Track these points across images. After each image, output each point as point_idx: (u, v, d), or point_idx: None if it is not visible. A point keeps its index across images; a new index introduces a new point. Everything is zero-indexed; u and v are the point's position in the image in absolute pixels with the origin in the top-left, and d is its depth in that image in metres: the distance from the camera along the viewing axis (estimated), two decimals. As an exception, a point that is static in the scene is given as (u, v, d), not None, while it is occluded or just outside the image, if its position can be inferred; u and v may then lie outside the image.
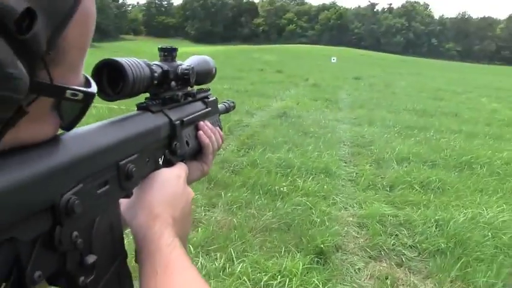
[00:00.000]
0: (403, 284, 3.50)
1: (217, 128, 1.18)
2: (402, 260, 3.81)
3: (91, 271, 0.65)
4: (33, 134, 0.56)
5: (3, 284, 0.50)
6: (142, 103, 0.90)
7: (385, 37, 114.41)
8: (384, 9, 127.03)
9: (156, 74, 0.87)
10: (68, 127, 0.63)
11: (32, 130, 0.56)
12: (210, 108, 1.17)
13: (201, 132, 1.09)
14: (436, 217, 4.49)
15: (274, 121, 8.56)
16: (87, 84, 0.61)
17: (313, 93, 13.25)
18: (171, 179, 0.87)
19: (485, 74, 38.11)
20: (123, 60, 0.78)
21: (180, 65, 0.97)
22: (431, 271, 3.66)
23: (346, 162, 6.44)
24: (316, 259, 3.62)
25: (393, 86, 18.07)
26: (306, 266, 3.46)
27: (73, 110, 0.62)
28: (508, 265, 3.73)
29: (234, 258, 3.51)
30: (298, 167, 5.70)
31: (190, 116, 1.03)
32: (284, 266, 3.41)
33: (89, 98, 0.59)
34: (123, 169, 0.72)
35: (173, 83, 0.94)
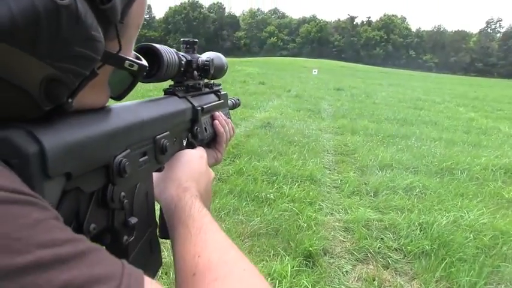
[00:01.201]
0: (390, 286, 3.57)
1: (229, 119, 1.26)
2: (388, 262, 3.88)
3: (132, 232, 0.72)
4: (93, 101, 0.63)
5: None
6: (169, 89, 0.99)
7: (365, 49, 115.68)
8: (363, 22, 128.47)
9: (183, 62, 0.95)
10: (119, 97, 0.72)
11: (92, 96, 0.62)
12: (222, 101, 1.25)
13: (216, 121, 1.17)
14: (420, 220, 4.59)
15: (258, 131, 8.63)
16: (138, 59, 0.68)
17: (296, 104, 13.35)
18: (195, 158, 0.95)
19: (461, 84, 38.74)
20: (159, 46, 0.85)
21: (200, 57, 1.05)
22: (416, 272, 3.75)
23: (330, 170, 6.53)
24: (304, 262, 3.68)
25: (374, 96, 18.27)
26: (295, 268, 3.51)
27: (123, 82, 0.70)
28: (489, 264, 3.83)
29: (224, 263, 3.55)
30: (284, 175, 5.77)
31: (209, 105, 1.11)
32: (274, 269, 3.46)
33: (142, 69, 0.68)
34: (158, 143, 0.79)
35: (195, 73, 1.02)
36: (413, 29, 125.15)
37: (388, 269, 3.81)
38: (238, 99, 1.51)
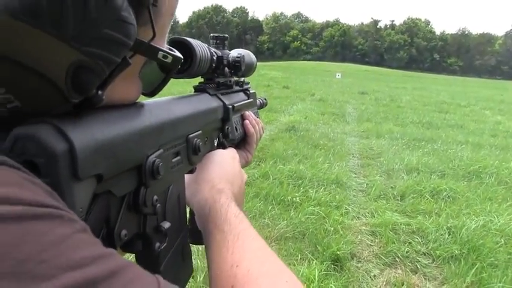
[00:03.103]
0: (418, 290, 3.54)
1: (259, 119, 1.22)
2: (417, 267, 3.84)
3: (165, 238, 0.68)
4: (123, 95, 0.59)
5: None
6: (199, 85, 0.95)
7: (389, 53, 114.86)
8: (386, 25, 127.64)
9: (214, 58, 0.92)
10: (152, 93, 0.67)
11: (123, 90, 0.58)
12: (252, 100, 1.21)
13: (247, 121, 1.12)
14: (448, 224, 4.53)
15: (283, 135, 8.62)
16: (171, 51, 0.63)
17: (320, 108, 13.31)
18: (228, 159, 0.90)
19: (486, 87, 38.19)
20: (191, 39, 0.81)
21: (230, 53, 1.01)
22: (446, 277, 3.69)
23: (356, 174, 6.49)
24: (332, 266, 3.66)
25: (398, 100, 18.13)
26: (322, 272, 3.49)
27: (155, 76, 0.66)
28: (522, 270, 3.76)
29: (251, 266, 3.54)
30: (310, 178, 5.75)
31: (239, 103, 1.07)
32: (301, 273, 3.44)
33: (177, 61, 0.62)
34: (191, 142, 0.76)
35: (226, 69, 0.98)
36: (438, 32, 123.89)
37: (416, 273, 3.77)
38: (265, 99, 1.46)
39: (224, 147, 0.98)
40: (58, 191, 0.40)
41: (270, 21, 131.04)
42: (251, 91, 1.24)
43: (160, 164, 0.60)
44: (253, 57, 1.18)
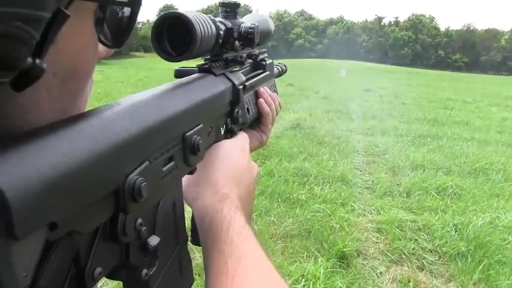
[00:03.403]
0: (425, 287, 3.52)
1: (275, 93, 1.08)
2: (423, 264, 3.83)
3: (155, 260, 0.57)
4: (78, 56, 0.45)
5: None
6: (204, 64, 0.80)
7: (393, 50, 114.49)
8: (390, 22, 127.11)
9: (221, 32, 0.77)
10: (117, 44, 0.51)
11: (75, 49, 0.44)
12: (268, 72, 1.06)
13: (261, 99, 0.98)
14: (455, 221, 4.51)
15: (288, 132, 8.60)
16: None
17: (325, 105, 13.27)
18: (235, 152, 0.80)
19: (492, 84, 37.89)
20: (189, 14, 0.66)
21: (243, 23, 0.86)
22: (453, 274, 3.68)
23: (361, 171, 6.46)
24: (338, 263, 3.65)
25: (403, 97, 18.03)
26: (328, 269, 3.49)
27: (118, 26, 0.50)
28: (531, 267, 3.74)
29: (257, 264, 3.54)
30: (315, 176, 5.74)
31: (252, 80, 0.93)
32: (307, 270, 3.44)
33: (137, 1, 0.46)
34: (188, 142, 0.63)
35: (237, 43, 0.83)
36: (442, 29, 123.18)
37: (423, 270, 3.76)
38: (285, 66, 1.26)
39: (233, 134, 0.86)
40: None
41: (273, 19, 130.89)
42: (267, 61, 1.06)
43: (143, 184, 0.48)
44: (269, 22, 1.05)
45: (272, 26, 1.06)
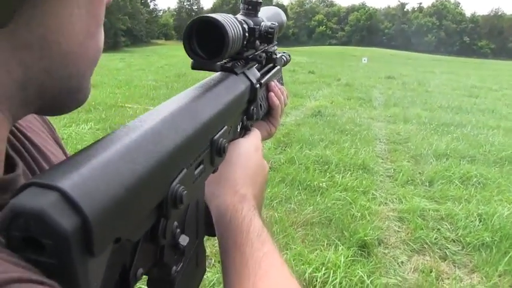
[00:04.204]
0: (448, 278, 3.46)
1: (283, 86, 1.09)
2: (446, 254, 3.77)
3: (181, 259, 0.60)
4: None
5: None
6: (226, 63, 0.80)
7: (416, 36, 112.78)
8: (414, 8, 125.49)
9: (246, 34, 0.77)
10: None
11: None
12: (279, 67, 1.07)
13: (272, 93, 0.99)
14: (479, 211, 4.44)
15: (309, 120, 8.55)
16: None
17: (346, 93, 13.16)
18: (251, 152, 0.81)
19: (520, 71, 37.29)
20: (219, 17, 0.67)
21: (263, 21, 0.85)
22: (476, 265, 3.62)
23: (383, 159, 6.40)
24: (359, 252, 3.62)
25: (426, 84, 17.81)
26: (349, 258, 3.45)
27: None
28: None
29: (277, 251, 3.52)
30: (336, 163, 5.69)
31: (266, 77, 0.94)
32: (328, 258, 3.41)
33: None
34: (216, 144, 0.64)
35: (257, 42, 0.83)
36: (468, 14, 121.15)
37: (445, 260, 3.70)
38: (289, 55, 1.22)
39: (247, 130, 0.87)
40: (68, 274, 0.34)
41: (294, 6, 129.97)
42: (277, 55, 1.07)
43: (184, 192, 0.50)
44: (282, 15, 1.06)
45: (284, 19, 1.07)
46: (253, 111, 0.87)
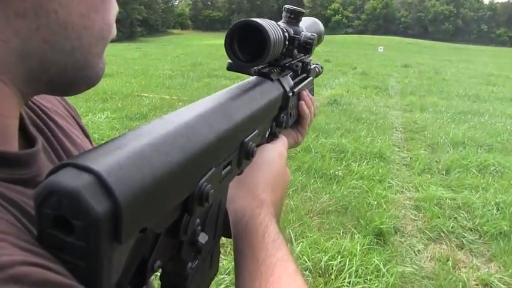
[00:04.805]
0: (465, 266, 3.45)
1: (313, 97, 1.10)
2: (463, 243, 3.75)
3: (197, 256, 0.60)
4: None
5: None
6: (262, 68, 0.80)
7: (433, 25, 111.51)
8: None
9: (286, 42, 0.78)
10: None
11: None
12: (312, 77, 1.08)
13: (303, 102, 1.00)
14: (497, 200, 4.40)
15: (325, 108, 8.52)
16: None
17: (362, 81, 13.08)
18: (275, 158, 0.81)
19: (540, 59, 36.72)
20: (262, 21, 0.68)
21: (303, 31, 0.85)
22: (494, 254, 3.59)
23: (399, 147, 6.37)
24: (375, 240, 3.61)
25: (443, 73, 17.63)
26: (365, 246, 3.45)
27: None
28: None
29: (293, 240, 3.54)
30: (352, 152, 5.68)
31: (299, 86, 0.95)
32: (344, 246, 3.41)
33: None
34: (245, 147, 0.65)
35: (295, 51, 0.83)
36: (486, 1, 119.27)
37: (462, 249, 3.68)
38: (322, 67, 1.22)
39: (275, 137, 0.88)
40: (94, 258, 0.35)
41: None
42: (312, 66, 1.06)
43: (211, 191, 0.51)
44: (321, 26, 1.06)
45: (323, 30, 1.07)
46: (283, 118, 0.87)
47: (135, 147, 0.39)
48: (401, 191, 4.73)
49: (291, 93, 0.85)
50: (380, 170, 5.11)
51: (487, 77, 17.07)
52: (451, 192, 4.70)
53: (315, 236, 3.57)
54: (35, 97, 0.60)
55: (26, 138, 0.52)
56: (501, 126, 7.83)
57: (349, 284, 3.05)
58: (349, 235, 3.67)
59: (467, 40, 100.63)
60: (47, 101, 0.65)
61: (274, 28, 0.70)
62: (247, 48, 0.69)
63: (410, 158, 5.85)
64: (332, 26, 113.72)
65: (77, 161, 0.35)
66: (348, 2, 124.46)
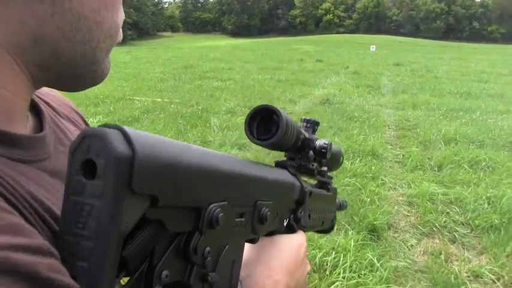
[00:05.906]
0: (457, 259, 3.51)
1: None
2: (455, 237, 3.81)
3: None
4: None
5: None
6: (280, 161, 0.88)
7: (425, 23, 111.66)
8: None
9: (301, 136, 0.84)
10: None
11: None
12: (331, 193, 1.10)
13: None
14: (488, 194, 4.47)
15: (317, 108, 8.58)
16: None
17: (355, 81, 13.16)
18: (294, 246, 0.81)
19: (531, 55, 36.91)
20: (279, 109, 0.75)
21: (318, 139, 0.90)
22: (485, 246, 3.66)
23: (392, 145, 6.43)
24: (369, 236, 3.67)
25: (435, 70, 17.74)
26: (359, 242, 3.50)
27: None
28: None
29: (288, 237, 3.57)
30: (345, 150, 5.72)
31: (317, 192, 0.98)
32: (338, 242, 3.46)
33: None
34: (259, 209, 0.68)
35: (311, 153, 0.89)
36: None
37: (454, 243, 3.74)
38: (346, 202, 1.25)
39: (293, 231, 0.88)
40: (108, 196, 0.39)
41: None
42: (333, 186, 1.10)
43: (221, 214, 0.54)
44: (340, 149, 1.10)
45: (341, 153, 1.11)
46: (301, 214, 0.88)
47: (160, 136, 0.46)
48: (394, 188, 4.79)
49: (307, 191, 0.88)
50: (373, 168, 5.17)
51: (479, 74, 17.19)
52: (443, 187, 4.77)
53: (309, 233, 3.61)
54: (49, 101, 0.64)
55: (40, 124, 0.55)
56: (492, 122, 7.91)
57: (344, 279, 3.10)
58: (343, 231, 3.72)
59: (459, 38, 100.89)
60: (57, 103, 0.68)
61: (289, 117, 0.76)
62: (265, 132, 0.74)
63: (403, 155, 5.91)
64: (323, 26, 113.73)
65: (108, 124, 0.42)
66: (339, 1, 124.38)
